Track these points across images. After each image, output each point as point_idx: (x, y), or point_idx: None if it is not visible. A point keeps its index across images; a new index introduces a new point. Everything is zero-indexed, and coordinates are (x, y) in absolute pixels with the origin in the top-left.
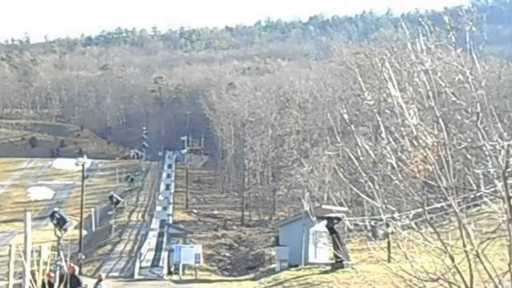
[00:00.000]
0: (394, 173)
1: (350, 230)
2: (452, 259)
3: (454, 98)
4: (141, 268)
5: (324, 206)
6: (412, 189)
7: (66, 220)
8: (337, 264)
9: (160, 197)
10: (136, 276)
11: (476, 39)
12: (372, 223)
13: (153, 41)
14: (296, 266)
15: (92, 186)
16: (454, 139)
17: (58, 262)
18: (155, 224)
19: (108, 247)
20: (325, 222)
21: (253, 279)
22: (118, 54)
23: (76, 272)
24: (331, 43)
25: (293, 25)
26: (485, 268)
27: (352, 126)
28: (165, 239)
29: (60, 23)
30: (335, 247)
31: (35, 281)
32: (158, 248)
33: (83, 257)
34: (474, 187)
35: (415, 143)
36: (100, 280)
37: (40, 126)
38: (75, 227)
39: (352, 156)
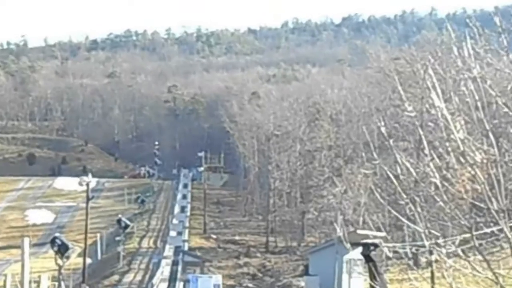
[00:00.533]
0: (438, 194)
1: (388, 258)
2: None
3: (506, 109)
4: None
5: (359, 231)
6: (459, 212)
7: (68, 247)
8: None
9: (175, 221)
10: None
11: None
12: (414, 250)
13: (167, 45)
14: None
15: (98, 209)
16: (506, 156)
17: None
18: (168, 251)
19: (116, 277)
20: (360, 249)
21: None
22: (127, 59)
23: None
24: (367, 47)
25: (324, 27)
26: None
27: (391, 141)
28: (180, 268)
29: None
30: (372, 277)
31: None
32: (172, 279)
33: None
34: None
35: (462, 160)
36: None
37: (39, 140)
38: (79, 255)
39: (390, 175)
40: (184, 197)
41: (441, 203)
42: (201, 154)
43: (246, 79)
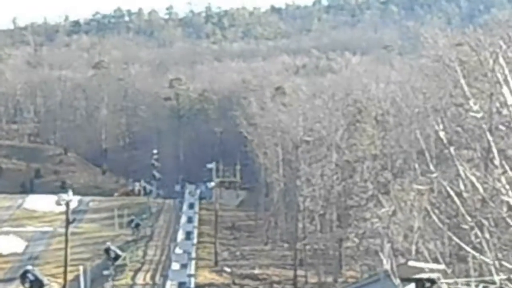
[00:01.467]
0: None
1: None
2: None
3: None
4: None
5: (411, 263)
6: None
7: (43, 283)
8: None
9: (178, 250)
10: None
11: None
12: (481, 286)
13: (168, 27)
14: None
15: (81, 235)
16: None
17: None
18: None
19: None
20: (413, 285)
21: None
22: (118, 46)
23: None
24: (422, 30)
25: (367, 5)
26: None
27: (452, 149)
28: None
29: (36, 2)
30: None
31: None
32: None
33: None
34: None
35: None
36: None
37: (6, 149)
38: None
39: (451, 192)
40: (190, 220)
41: None
42: (211, 165)
43: (268, 71)
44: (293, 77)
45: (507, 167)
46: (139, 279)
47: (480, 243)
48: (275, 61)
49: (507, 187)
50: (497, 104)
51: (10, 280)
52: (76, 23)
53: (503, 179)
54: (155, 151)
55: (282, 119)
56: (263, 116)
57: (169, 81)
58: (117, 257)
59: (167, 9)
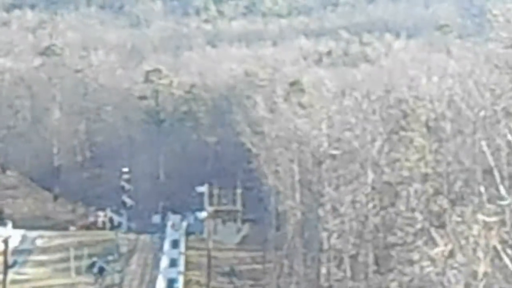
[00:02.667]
0: None
1: None
2: None
3: None
4: None
5: None
6: None
7: None
8: None
9: None
10: None
11: None
12: None
13: (143, 0)
14: None
15: (24, 283)
16: None
17: None
18: None
19: None
20: None
21: None
22: (75, 25)
23: None
24: (489, 5)
25: None
26: None
27: None
28: None
29: None
30: None
31: None
32: None
33: None
34: None
35: None
36: None
37: None
38: None
39: None
40: (174, 263)
41: None
42: (203, 189)
43: (281, 60)
44: (314, 68)
45: None
46: None
47: None
48: (289, 46)
49: None
50: None
51: None
52: None
53: None
54: (125, 169)
55: (299, 125)
56: (274, 122)
57: (145, 74)
58: None
59: None
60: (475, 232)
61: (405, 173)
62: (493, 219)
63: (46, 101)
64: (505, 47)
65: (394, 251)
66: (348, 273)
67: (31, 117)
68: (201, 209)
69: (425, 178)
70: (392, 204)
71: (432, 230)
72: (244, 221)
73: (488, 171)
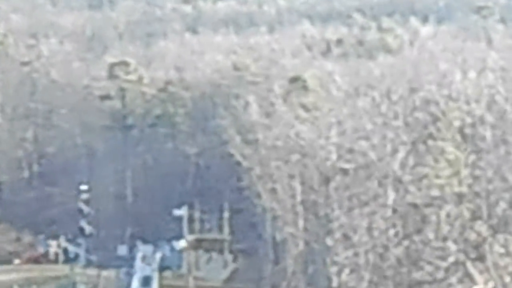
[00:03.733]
0: None
1: None
2: None
3: None
4: None
5: None
6: None
7: None
8: None
9: None
10: None
11: None
12: None
13: None
14: None
15: None
16: None
17: None
18: None
19: None
20: None
21: None
22: (20, 7)
23: None
24: None
25: None
26: None
27: None
28: None
29: None
30: None
31: None
32: None
33: None
34: None
35: None
36: None
37: None
38: None
39: None
40: None
41: None
42: (181, 212)
43: (279, 50)
44: (320, 61)
45: None
46: None
47: None
48: (289, 33)
49: None
50: None
51: None
52: None
53: None
54: (84, 187)
55: (302, 132)
56: (270, 128)
57: (109, 67)
58: None
59: None
60: None
61: (435, 192)
62: None
63: None
64: None
65: None
66: None
67: None
68: (179, 237)
69: (459, 199)
70: (419, 231)
71: (469, 264)
72: (233, 253)
73: None
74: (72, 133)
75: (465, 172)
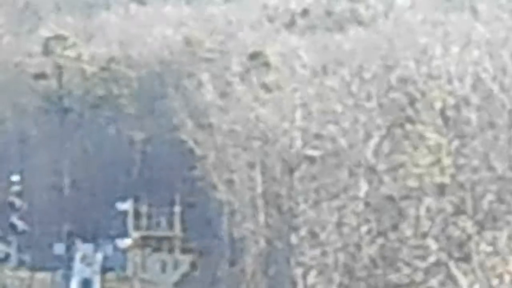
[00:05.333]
0: None
1: None
2: None
3: None
4: None
5: None
6: None
7: None
8: None
9: None
10: None
11: None
12: None
13: None
14: None
15: None
16: None
17: None
18: None
19: None
20: None
21: None
22: None
23: None
24: None
25: None
26: None
27: None
28: None
29: None
30: None
31: None
32: None
33: None
34: None
35: None
36: None
37: None
38: None
39: None
40: None
41: None
42: (126, 206)
43: (236, 22)
44: (283, 34)
45: None
46: None
47: None
48: (249, 3)
49: None
50: None
51: None
52: None
53: None
54: (15, 178)
55: (262, 115)
56: (227, 110)
57: (44, 42)
58: None
59: None
60: (510, 267)
61: (413, 183)
62: None
63: None
64: None
65: None
66: None
67: None
68: (123, 235)
69: (441, 190)
70: (395, 228)
71: (452, 264)
72: (184, 252)
73: None
74: (2, 116)
75: (447, 160)
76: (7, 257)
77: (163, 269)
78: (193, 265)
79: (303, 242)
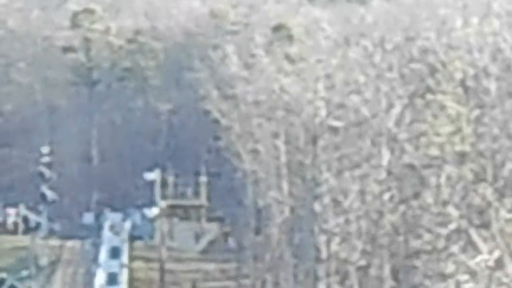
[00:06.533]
0: None
1: None
2: None
3: None
4: None
5: None
6: None
7: None
8: None
9: None
10: None
11: None
12: None
13: None
14: None
15: None
16: None
17: None
18: None
19: None
20: None
21: None
22: None
23: None
24: None
25: None
26: None
27: None
28: None
29: None
30: None
31: None
32: None
33: None
34: None
35: None
36: None
37: None
38: None
39: None
40: (113, 280)
41: None
42: (153, 175)
43: None
44: (306, 7)
45: None
46: None
47: None
48: None
49: None
50: None
51: None
52: None
53: None
54: (45, 150)
55: (286, 86)
56: (251, 81)
57: (72, 16)
58: None
59: None
60: None
61: (434, 151)
62: None
63: None
64: None
65: (419, 261)
66: None
67: None
68: (151, 204)
69: (461, 158)
70: (416, 196)
71: (472, 231)
72: (210, 220)
73: None
74: (32, 88)
75: (467, 129)
76: (38, 226)
77: (190, 237)
78: (219, 234)
79: (327, 210)
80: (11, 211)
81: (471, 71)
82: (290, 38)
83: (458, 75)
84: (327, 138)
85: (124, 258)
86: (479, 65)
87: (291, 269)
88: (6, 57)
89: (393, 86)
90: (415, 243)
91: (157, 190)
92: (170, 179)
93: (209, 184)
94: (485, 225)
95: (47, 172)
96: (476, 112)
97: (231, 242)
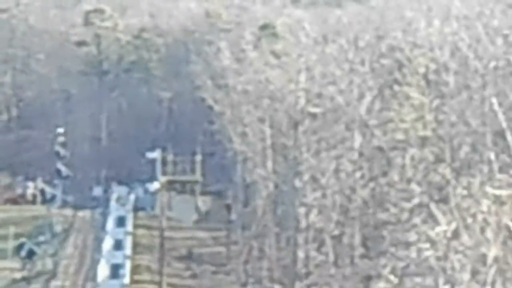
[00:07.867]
0: None
1: None
2: None
3: None
4: None
5: None
6: None
7: None
8: None
9: None
10: None
11: None
12: None
13: None
14: None
15: None
16: None
17: None
18: None
19: None
20: None
21: None
22: None
23: None
24: None
25: None
26: None
27: None
28: None
29: None
30: None
31: None
32: None
33: None
34: None
35: None
36: None
37: None
38: None
39: None
40: (119, 245)
41: None
42: (155, 154)
43: None
44: (290, 8)
45: None
46: None
47: None
48: None
49: None
50: None
51: None
52: None
53: None
54: (60, 131)
55: (271, 77)
56: (241, 73)
57: (85, 14)
58: None
59: None
60: (484, 208)
61: (400, 136)
62: (506, 192)
63: None
64: None
65: (386, 231)
66: (331, 257)
67: None
68: (153, 179)
69: (423, 142)
70: (384, 174)
71: (432, 205)
72: (204, 194)
73: (499, 134)
74: (49, 78)
75: (429, 116)
76: (53, 198)
77: (186, 208)
78: (211, 206)
79: (306, 186)
80: (30, 184)
81: (433, 66)
82: (275, 35)
83: (422, 70)
84: (307, 123)
85: (129, 227)
86: (440, 61)
87: (274, 237)
88: (27, 50)
89: (365, 78)
90: (382, 215)
91: (158, 167)
92: (170, 157)
93: (204, 162)
94: (444, 200)
95: (62, 151)
96: (437, 101)
97: (232, 214)
